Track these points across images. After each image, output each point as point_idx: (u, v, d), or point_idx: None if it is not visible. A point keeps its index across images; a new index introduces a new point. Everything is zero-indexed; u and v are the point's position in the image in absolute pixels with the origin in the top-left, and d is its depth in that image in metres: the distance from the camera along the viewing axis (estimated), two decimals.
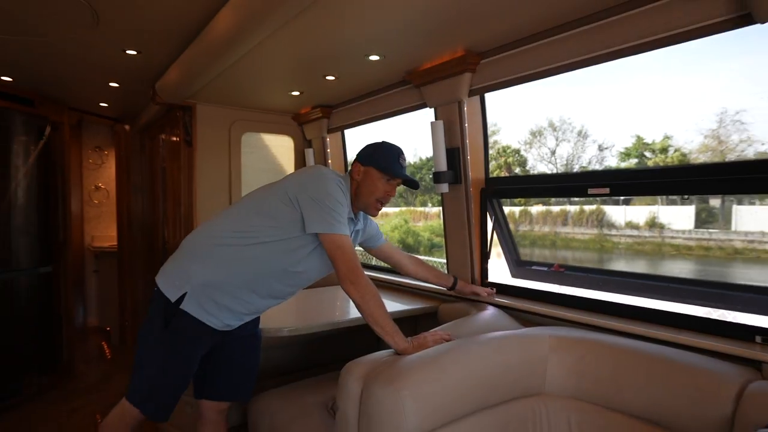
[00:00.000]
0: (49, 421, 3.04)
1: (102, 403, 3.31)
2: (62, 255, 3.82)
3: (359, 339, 2.88)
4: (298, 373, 2.73)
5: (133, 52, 2.56)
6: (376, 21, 1.97)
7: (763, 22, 1.39)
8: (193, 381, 1.79)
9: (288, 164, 3.76)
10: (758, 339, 1.54)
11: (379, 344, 2.91)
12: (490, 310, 2.14)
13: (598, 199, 2.19)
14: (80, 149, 5.12)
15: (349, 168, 1.87)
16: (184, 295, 1.62)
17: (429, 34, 2.09)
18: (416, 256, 2.34)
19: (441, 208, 2.55)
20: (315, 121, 3.48)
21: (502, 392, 1.61)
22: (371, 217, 2.00)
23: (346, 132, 3.60)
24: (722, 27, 1.51)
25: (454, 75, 2.31)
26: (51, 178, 3.63)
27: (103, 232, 5.22)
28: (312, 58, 2.42)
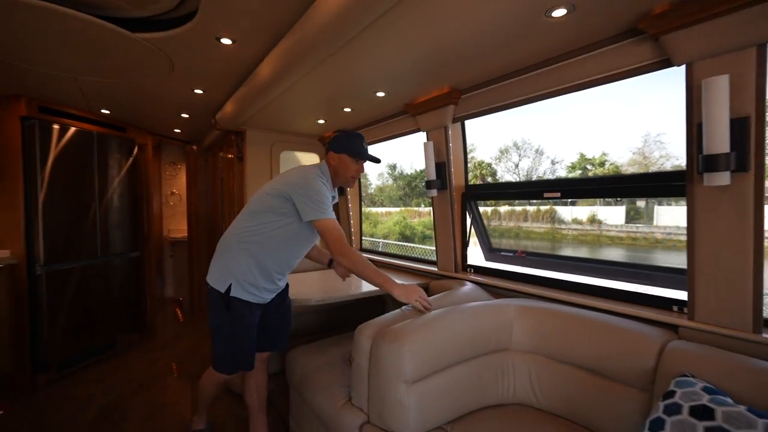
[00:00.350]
0: (136, 368, 3.06)
1: (175, 355, 3.33)
2: (146, 244, 3.83)
3: (369, 306, 2.88)
4: (322, 333, 2.73)
5: (200, 91, 2.56)
6: (382, 67, 1.95)
7: (679, 65, 1.37)
8: None
9: None
10: (675, 308, 1.52)
11: (384, 311, 2.91)
12: (469, 286, 2.12)
13: (551, 201, 2.17)
14: (159, 164, 5.12)
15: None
16: (230, 286, 1.66)
17: (422, 76, 2.07)
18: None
19: (431, 208, 2.53)
20: None
21: (477, 348, 1.59)
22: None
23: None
24: (649, 68, 1.49)
25: (441, 107, 2.29)
26: (137, 186, 3.64)
27: (177, 226, 5.23)
28: (333, 95, 2.40)
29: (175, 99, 2.76)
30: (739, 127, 1.21)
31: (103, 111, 3.13)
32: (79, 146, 2.98)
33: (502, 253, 2.46)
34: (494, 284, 2.15)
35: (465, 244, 2.47)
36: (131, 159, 3.50)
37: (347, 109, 2.69)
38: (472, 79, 2.07)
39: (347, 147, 1.73)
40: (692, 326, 1.36)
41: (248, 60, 2.02)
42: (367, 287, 2.34)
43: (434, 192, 2.40)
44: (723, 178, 1.22)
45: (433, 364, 1.44)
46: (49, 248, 2.76)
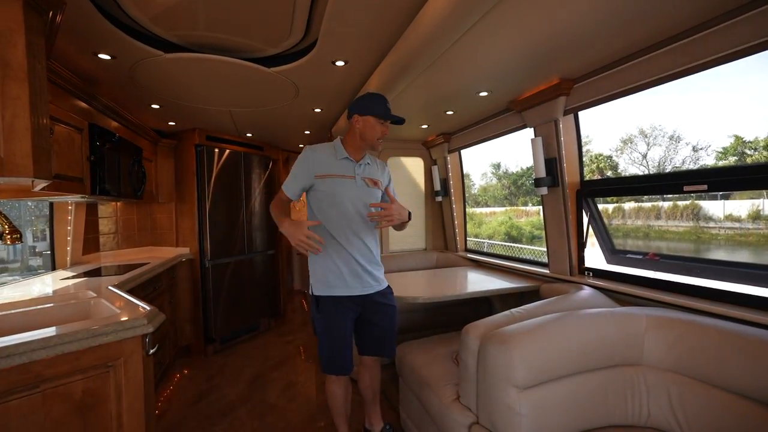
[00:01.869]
0: (275, 347, 3.55)
1: (302, 339, 3.76)
2: (279, 243, 4.42)
3: (475, 306, 2.80)
4: (430, 330, 2.76)
5: (318, 110, 2.86)
6: (484, 66, 1.89)
7: None
8: (355, 341, 1.83)
9: (419, 178, 3.81)
10: None
11: (491, 311, 2.80)
12: (587, 291, 1.89)
13: (693, 195, 1.76)
14: (287, 175, 5.87)
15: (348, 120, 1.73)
16: (312, 287, 1.72)
17: (528, 71, 1.94)
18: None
19: (541, 207, 2.34)
20: (438, 145, 3.47)
21: (600, 359, 1.41)
22: (394, 192, 1.78)
23: (462, 151, 3.51)
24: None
25: (550, 99, 2.10)
26: (272, 194, 4.23)
27: None
28: (436, 99, 2.42)
29: (299, 119, 3.14)
30: None
31: (248, 134, 3.73)
32: (231, 165, 3.62)
33: (629, 256, 2.13)
34: (618, 290, 1.88)
35: (581, 245, 2.22)
36: (267, 172, 4.09)
37: (450, 112, 2.67)
38: (586, 66, 1.85)
39: (372, 108, 1.61)
40: None
41: (358, 77, 2.18)
42: (472, 288, 2.29)
43: (544, 190, 2.22)
44: None
45: (547, 371, 1.33)
46: (213, 246, 3.42)
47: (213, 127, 3.37)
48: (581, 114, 2.19)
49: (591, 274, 2.16)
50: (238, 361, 3.24)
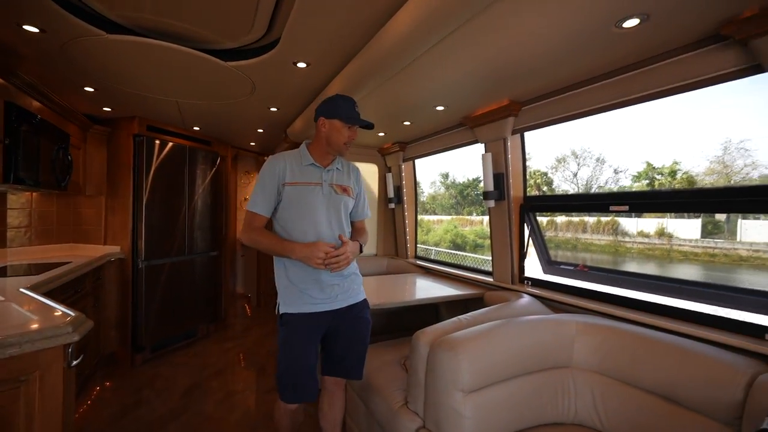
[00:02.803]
0: (213, 355, 3.33)
1: (244, 346, 3.58)
2: (223, 244, 4.19)
3: (423, 313, 2.88)
4: (380, 336, 2.77)
5: (275, 109, 2.77)
6: (443, 83, 1.98)
7: None
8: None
9: (374, 184, 3.84)
10: (767, 336, 1.33)
11: (438, 317, 2.89)
12: (526, 299, 2.04)
13: (614, 213, 2.00)
14: (236, 173, 5.59)
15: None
16: (278, 303, 1.54)
17: (482, 90, 2.06)
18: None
19: (488, 219, 2.48)
20: (394, 153, 3.54)
21: (536, 363, 1.53)
22: (365, 200, 1.70)
23: (420, 169, 3.61)
24: (735, 75, 1.35)
25: (500, 119, 2.25)
26: (218, 193, 4.01)
27: None
28: (395, 110, 2.47)
29: (253, 116, 3.02)
30: None
31: (195, 128, 3.51)
32: (174, 158, 3.37)
33: (562, 267, 2.34)
34: (554, 298, 2.05)
35: (522, 256, 2.39)
36: (214, 169, 3.86)
37: (407, 123, 2.74)
38: (533, 91, 2.02)
39: (339, 111, 1.49)
40: None
41: (319, 80, 2.16)
42: (421, 294, 2.35)
43: (491, 203, 2.36)
44: None
45: (490, 375, 1.41)
46: (148, 246, 3.14)
47: (156, 116, 3.11)
48: (527, 134, 2.37)
49: (529, 282, 2.33)
50: (172, 370, 2.99)
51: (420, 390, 1.49)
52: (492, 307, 1.87)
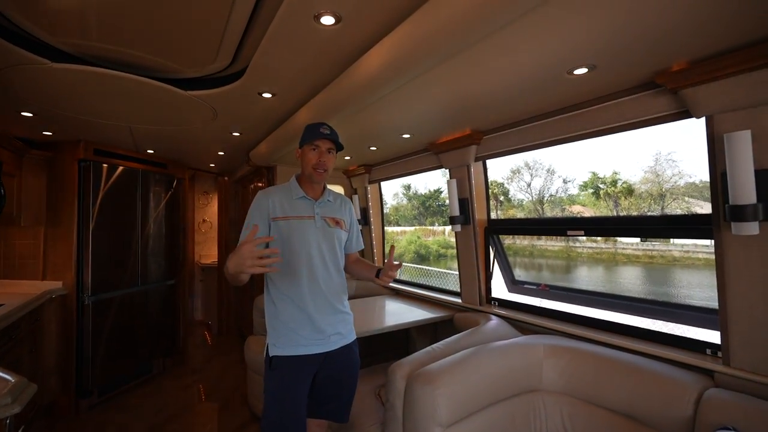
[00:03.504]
0: (171, 393, 3.10)
1: (206, 379, 3.38)
2: (181, 271, 3.94)
3: (395, 337, 2.87)
4: None
5: (237, 133, 2.69)
6: (409, 114, 2.03)
7: (699, 117, 1.38)
8: None
9: None
10: (708, 351, 1.48)
11: (409, 340, 2.90)
12: (494, 321, 2.11)
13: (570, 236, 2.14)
14: (193, 194, 5.32)
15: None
16: (268, 345, 1.45)
17: (446, 120, 2.14)
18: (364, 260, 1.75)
19: (455, 241, 2.55)
20: (359, 175, 3.55)
21: (508, 389, 1.58)
22: (358, 231, 1.68)
23: (383, 183, 3.64)
24: (668, 119, 1.51)
25: (463, 146, 2.34)
26: (175, 217, 3.79)
27: (208, 252, 5.38)
28: (361, 136, 2.49)
29: (214, 140, 2.91)
30: (764, 178, 1.21)
31: (149, 150, 3.31)
32: (124, 183, 3.15)
33: (525, 286, 2.45)
34: (520, 319, 2.13)
35: (489, 277, 2.47)
36: (170, 192, 3.65)
37: (373, 148, 2.77)
38: (494, 122, 2.13)
39: (303, 138, 1.47)
40: (728, 372, 1.32)
41: (285, 109, 2.13)
42: (393, 320, 2.35)
43: (458, 227, 2.43)
44: (752, 228, 1.21)
45: (466, 406, 1.43)
46: (96, 278, 2.88)
47: (104, 140, 2.90)
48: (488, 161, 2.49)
49: (496, 303, 2.41)
50: (122, 416, 2.74)
51: (398, 425, 1.48)
52: (462, 333, 1.91)
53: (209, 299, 5.12)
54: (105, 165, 3.01)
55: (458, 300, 2.61)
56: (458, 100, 1.81)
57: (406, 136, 2.41)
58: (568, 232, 1.96)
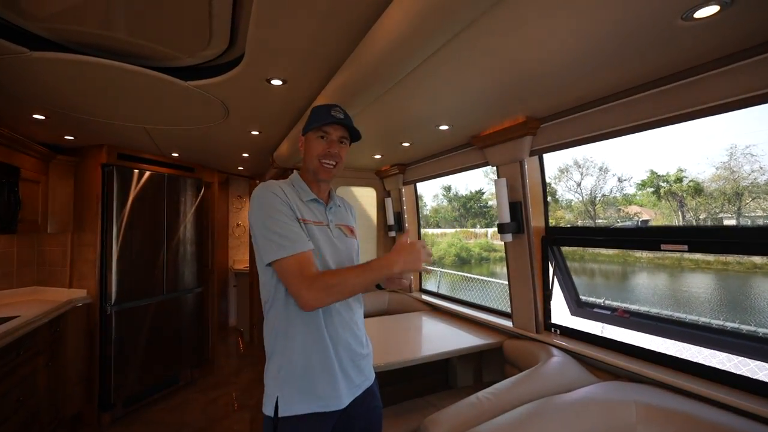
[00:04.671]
0: (197, 407, 2.94)
1: (235, 391, 3.19)
2: (209, 278, 3.83)
3: (431, 368, 2.46)
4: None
5: (256, 132, 2.45)
6: (446, 99, 1.65)
7: None
8: None
9: (371, 210, 3.49)
10: None
11: (447, 371, 2.48)
12: (558, 358, 1.65)
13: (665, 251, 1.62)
14: (228, 198, 5.27)
15: None
16: (277, 401, 1.01)
17: (493, 106, 1.73)
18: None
19: (504, 252, 2.11)
20: (393, 176, 3.20)
21: None
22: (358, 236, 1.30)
23: (420, 184, 3.26)
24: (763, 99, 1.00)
25: (515, 138, 1.90)
26: (204, 223, 3.67)
27: (241, 257, 5.30)
28: (391, 130, 2.14)
29: (234, 141, 2.70)
30: None
31: (174, 154, 3.19)
32: (152, 188, 3.04)
33: (596, 310, 1.95)
34: (593, 356, 1.65)
35: (547, 298, 2.00)
36: (199, 197, 3.53)
37: (406, 144, 2.40)
38: (556, 106, 1.67)
39: (308, 123, 1.16)
40: None
41: (301, 99, 1.83)
42: (429, 348, 1.95)
43: (509, 237, 1.99)
44: None
45: None
46: (120, 287, 2.78)
47: (126, 144, 2.80)
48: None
49: (558, 331, 1.94)
50: (145, 429, 2.59)
51: None
52: (518, 378, 1.48)
53: (242, 306, 5.01)
54: (135, 170, 2.91)
55: (509, 323, 2.16)
56: (507, 79, 1.41)
57: (444, 127, 2.01)
58: (664, 246, 1.46)
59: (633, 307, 1.86)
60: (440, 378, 2.49)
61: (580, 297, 2.04)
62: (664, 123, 1.35)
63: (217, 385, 3.36)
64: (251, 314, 4.71)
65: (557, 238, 1.95)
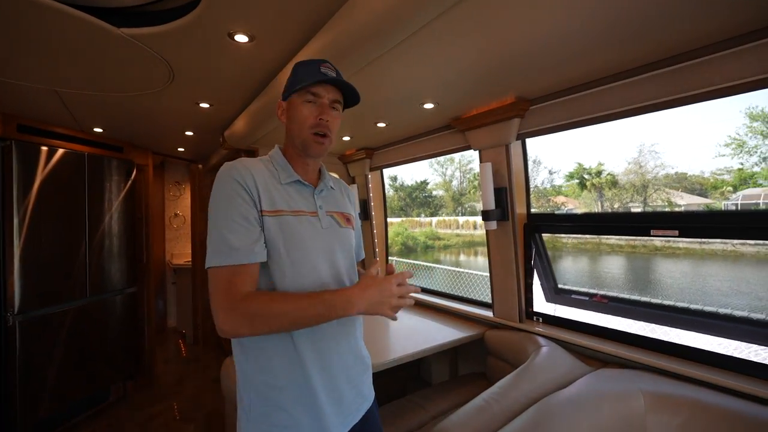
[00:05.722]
0: (132, 426, 2.51)
1: (176, 407, 2.79)
2: (145, 276, 3.30)
3: (406, 365, 2.33)
4: None
5: (206, 105, 2.07)
6: (436, 74, 1.48)
7: None
8: None
9: None
10: None
11: (420, 370, 2.37)
12: (547, 348, 1.60)
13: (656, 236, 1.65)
14: (163, 184, 4.63)
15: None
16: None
17: (483, 84, 1.59)
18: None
19: (486, 241, 2.02)
20: (358, 161, 2.98)
21: None
22: (360, 233, 1.11)
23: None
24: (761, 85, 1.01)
25: (502, 120, 1.80)
26: (136, 212, 3.13)
27: (181, 250, 4.71)
28: (368, 108, 1.92)
29: (178, 115, 2.27)
30: None
31: (96, 129, 2.64)
32: (67, 170, 2.48)
33: (573, 296, 1.95)
34: (587, 345, 1.62)
35: (529, 286, 1.96)
36: (129, 182, 2.99)
37: (381, 124, 2.20)
38: (548, 86, 1.59)
39: (292, 83, 0.91)
40: None
41: (267, 64, 1.53)
42: (404, 347, 1.79)
43: (493, 224, 1.90)
44: None
45: None
46: (25, 292, 2.23)
47: (30, 112, 2.23)
48: None
49: (540, 320, 1.91)
50: None
51: None
52: (516, 374, 1.39)
53: (183, 304, 4.47)
54: (44, 148, 2.34)
55: (488, 313, 2.10)
56: (504, 51, 1.30)
57: (429, 106, 1.84)
58: (653, 232, 1.45)
59: (611, 293, 1.88)
60: (412, 373, 2.37)
61: (558, 284, 2.04)
62: (667, 106, 1.32)
63: (156, 398, 2.92)
64: (194, 313, 4.21)
65: (541, 225, 1.90)
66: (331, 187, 1.01)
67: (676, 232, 1.39)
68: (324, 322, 0.78)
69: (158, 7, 1.26)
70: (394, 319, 0.83)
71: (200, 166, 4.16)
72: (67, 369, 2.44)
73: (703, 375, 1.25)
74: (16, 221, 2.20)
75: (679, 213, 1.42)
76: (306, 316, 0.76)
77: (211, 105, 2.07)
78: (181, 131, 2.72)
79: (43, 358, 2.32)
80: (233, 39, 1.32)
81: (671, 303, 1.64)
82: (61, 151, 2.45)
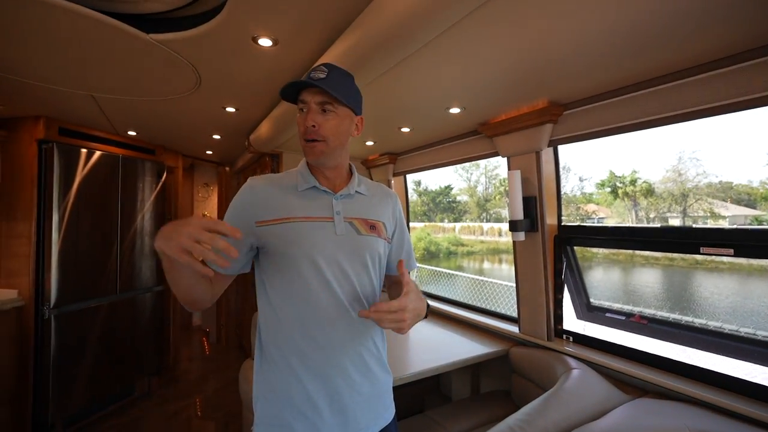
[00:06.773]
0: (152, 424, 2.56)
1: (198, 403, 2.82)
2: None
3: (424, 383, 2.24)
4: None
5: (232, 109, 2.09)
6: (463, 77, 1.41)
7: None
8: None
9: None
10: None
11: (439, 385, 2.27)
12: (578, 371, 1.48)
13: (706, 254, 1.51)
14: (192, 186, 4.78)
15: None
16: None
17: (514, 88, 1.51)
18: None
19: (513, 252, 1.92)
20: (382, 166, 2.94)
21: None
22: (409, 242, 1.08)
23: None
24: None
25: (533, 126, 1.70)
26: (166, 212, 3.23)
27: None
28: (392, 112, 1.87)
29: (204, 118, 2.31)
30: None
31: (130, 132, 2.74)
32: (103, 171, 2.59)
33: (608, 315, 1.81)
34: (617, 368, 1.50)
35: (558, 302, 1.84)
36: (160, 183, 3.09)
37: (405, 129, 2.14)
38: (585, 90, 1.48)
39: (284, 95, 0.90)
40: None
41: (290, 67, 1.52)
42: (423, 362, 1.71)
43: (521, 235, 1.79)
44: None
45: None
46: (62, 287, 2.33)
47: (70, 117, 2.33)
48: None
49: (571, 339, 1.78)
50: None
51: None
52: (545, 398, 1.28)
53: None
54: (83, 150, 2.45)
55: (513, 328, 1.98)
56: (539, 53, 1.20)
57: (455, 110, 1.77)
58: (704, 250, 1.31)
59: (648, 311, 1.73)
60: (431, 386, 2.28)
61: (591, 301, 1.90)
62: (720, 111, 1.19)
63: (179, 395, 2.98)
64: (219, 312, 4.30)
65: (573, 237, 1.78)
66: (359, 193, 0.96)
67: (731, 251, 1.25)
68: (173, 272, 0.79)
69: (183, 13, 1.27)
70: (185, 258, 0.63)
71: (227, 168, 4.26)
72: (97, 363, 2.53)
73: (759, 414, 1.10)
74: (55, 219, 2.30)
75: (734, 230, 1.27)
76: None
77: (237, 109, 2.09)
78: (208, 135, 2.77)
79: (76, 352, 2.41)
80: (257, 43, 1.30)
81: (718, 326, 1.48)
82: (98, 153, 2.56)
